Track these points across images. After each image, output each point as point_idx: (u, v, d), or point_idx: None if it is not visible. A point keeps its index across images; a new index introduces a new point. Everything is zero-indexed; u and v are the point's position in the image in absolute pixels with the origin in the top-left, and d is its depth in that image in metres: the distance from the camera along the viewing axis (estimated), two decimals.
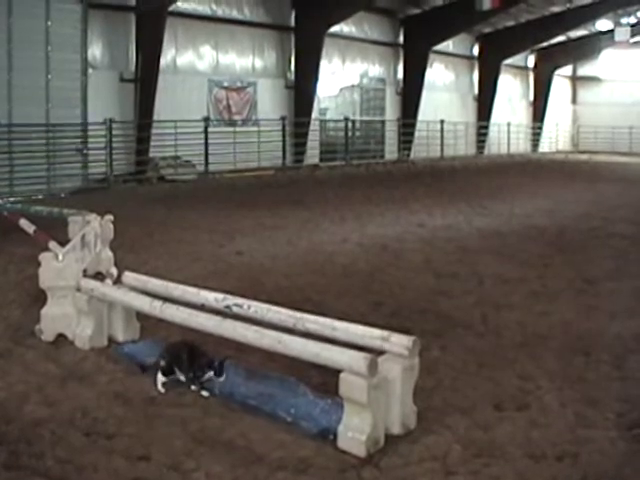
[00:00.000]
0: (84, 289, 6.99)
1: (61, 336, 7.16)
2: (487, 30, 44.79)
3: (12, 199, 17.90)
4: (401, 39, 41.11)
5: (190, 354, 5.77)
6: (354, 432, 4.77)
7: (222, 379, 5.64)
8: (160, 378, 5.78)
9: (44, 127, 23.71)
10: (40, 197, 20.60)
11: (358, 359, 4.74)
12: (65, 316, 7.13)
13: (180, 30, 29.54)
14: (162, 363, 5.80)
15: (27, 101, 23.14)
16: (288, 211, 17.18)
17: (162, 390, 5.76)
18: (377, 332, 5.19)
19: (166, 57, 28.55)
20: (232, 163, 28.95)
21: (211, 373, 5.63)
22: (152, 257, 11.23)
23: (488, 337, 7.36)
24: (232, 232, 13.92)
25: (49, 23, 23.91)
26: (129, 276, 7.18)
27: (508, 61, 47.29)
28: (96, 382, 6.11)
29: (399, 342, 5.01)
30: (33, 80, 23.31)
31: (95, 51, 26.82)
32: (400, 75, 41.05)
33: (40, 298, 7.56)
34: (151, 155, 26.83)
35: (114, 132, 25.25)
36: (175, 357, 5.80)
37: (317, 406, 5.31)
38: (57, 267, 7.30)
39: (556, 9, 42.05)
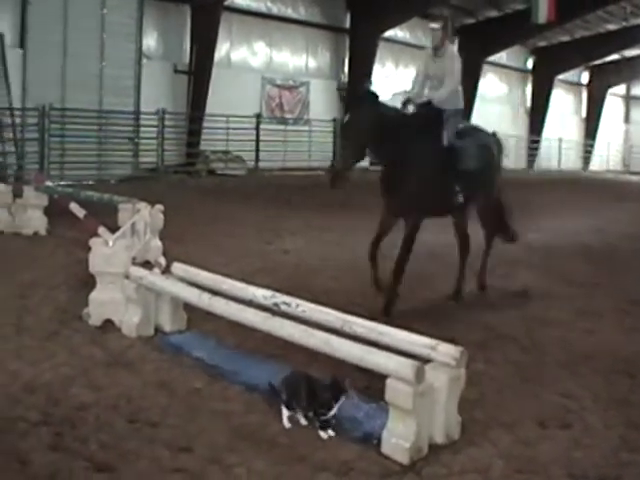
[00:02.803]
0: (133, 277, 7.03)
1: (108, 322, 7.22)
2: (542, 44, 44.51)
3: (63, 183, 18.05)
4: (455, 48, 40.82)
5: (309, 389, 5.25)
6: (398, 438, 4.75)
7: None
8: (285, 412, 5.24)
9: (96, 113, 23.89)
10: (90, 182, 20.75)
11: (405, 366, 4.71)
12: (113, 302, 7.18)
13: (235, 25, 29.65)
14: (283, 396, 5.28)
15: (80, 87, 23.35)
16: (336, 213, 17.21)
17: (288, 425, 5.19)
18: (425, 340, 5.16)
19: (220, 51, 28.66)
20: (282, 161, 29.02)
21: (333, 412, 5.09)
22: (199, 249, 11.27)
23: (533, 352, 7.30)
24: (280, 230, 13.97)
25: (105, 11, 24.12)
26: (178, 267, 7.22)
27: (561, 76, 46.94)
28: (141, 370, 6.16)
29: (447, 352, 4.98)
30: (87, 67, 23.54)
31: (150, 41, 26.99)
32: None
33: (88, 282, 7.63)
34: (202, 148, 26.95)
35: (166, 123, 25.41)
36: (293, 391, 5.29)
37: (361, 410, 5.29)
38: (107, 253, 7.36)
39: (612, 27, 41.66)
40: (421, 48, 38.13)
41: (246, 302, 6.29)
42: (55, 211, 11.91)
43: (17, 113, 22.71)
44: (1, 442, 4.74)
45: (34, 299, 8.20)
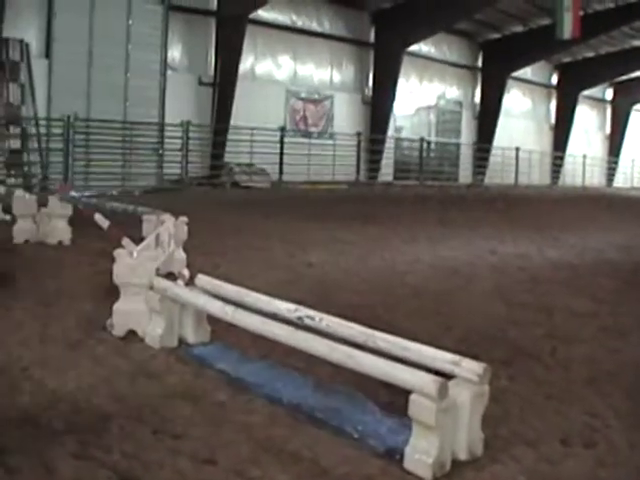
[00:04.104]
0: (157, 288, 7.06)
1: (132, 332, 7.25)
2: (566, 60, 44.56)
3: (87, 193, 18.15)
4: (479, 63, 41.06)
5: None
6: (421, 454, 4.72)
7: None
8: None
9: (121, 124, 24.05)
10: (114, 193, 20.87)
11: (429, 381, 4.70)
12: (137, 313, 7.20)
13: (260, 38, 29.87)
14: None
15: (105, 98, 23.61)
16: (360, 227, 17.23)
17: None
18: (448, 356, 5.14)
19: (245, 64, 28.86)
20: (306, 174, 29.13)
21: None
22: (224, 262, 11.30)
23: (557, 370, 7.25)
24: (303, 243, 13.98)
25: (130, 22, 24.41)
26: (202, 279, 7.24)
27: (586, 92, 46.88)
28: (165, 381, 6.16)
29: (470, 368, 4.95)
30: (112, 77, 23.81)
31: (174, 53, 27.25)
32: (477, 99, 40.99)
33: (112, 293, 7.64)
34: (226, 160, 27.10)
35: (190, 135, 25.55)
36: None
37: (384, 425, 5.27)
38: (131, 264, 7.38)
39: (637, 43, 41.64)
40: (446, 63, 38.58)
41: (270, 315, 6.29)
42: (79, 221, 11.98)
43: (42, 123, 22.90)
44: (28, 449, 4.76)
45: (58, 308, 8.25)
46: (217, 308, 6.53)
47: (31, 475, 4.48)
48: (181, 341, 7.08)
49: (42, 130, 22.99)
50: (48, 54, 23.62)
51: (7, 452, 4.71)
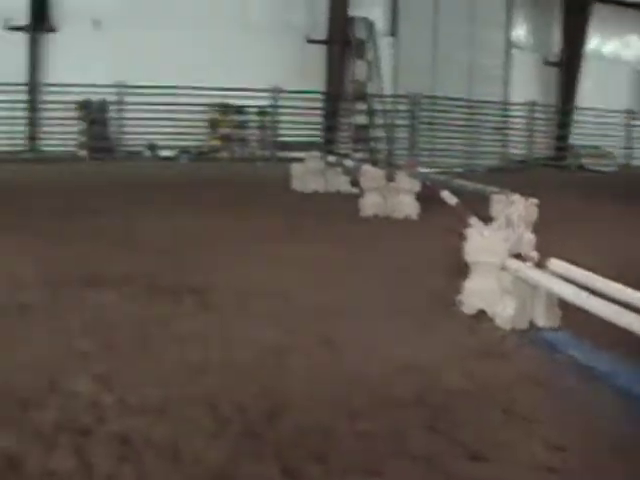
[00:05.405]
0: (509, 269, 7.06)
1: (481, 311, 7.29)
2: None
3: (433, 170, 18.44)
4: None
5: None
6: None
7: None
8: None
9: (465, 102, 24.21)
10: (459, 171, 21.07)
11: None
12: (487, 292, 7.24)
13: (607, 17, 29.01)
14: None
15: (450, 76, 23.84)
16: None
17: None
18: None
19: (591, 43, 28.14)
20: None
21: None
22: (564, 244, 11.07)
23: None
24: None
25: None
26: (554, 262, 7.14)
27: None
28: (515, 363, 6.17)
29: None
30: (456, 55, 23.96)
31: (519, 31, 27.03)
32: None
33: (460, 271, 7.72)
34: (570, 142, 26.64)
35: (535, 115, 25.33)
36: None
37: None
38: (482, 243, 7.43)
39: None
40: None
41: (621, 303, 6.09)
42: (424, 197, 12.21)
43: (387, 100, 23.51)
44: (378, 417, 4.93)
45: (409, 282, 8.51)
46: (571, 293, 6.42)
47: (385, 441, 4.64)
48: (531, 324, 7.05)
49: (387, 107, 23.64)
50: (394, 32, 24.22)
51: (359, 417, 4.92)
